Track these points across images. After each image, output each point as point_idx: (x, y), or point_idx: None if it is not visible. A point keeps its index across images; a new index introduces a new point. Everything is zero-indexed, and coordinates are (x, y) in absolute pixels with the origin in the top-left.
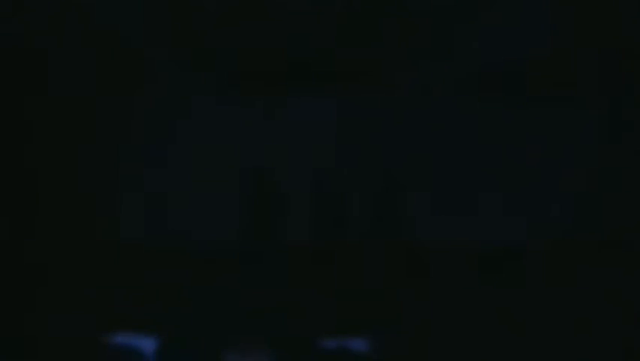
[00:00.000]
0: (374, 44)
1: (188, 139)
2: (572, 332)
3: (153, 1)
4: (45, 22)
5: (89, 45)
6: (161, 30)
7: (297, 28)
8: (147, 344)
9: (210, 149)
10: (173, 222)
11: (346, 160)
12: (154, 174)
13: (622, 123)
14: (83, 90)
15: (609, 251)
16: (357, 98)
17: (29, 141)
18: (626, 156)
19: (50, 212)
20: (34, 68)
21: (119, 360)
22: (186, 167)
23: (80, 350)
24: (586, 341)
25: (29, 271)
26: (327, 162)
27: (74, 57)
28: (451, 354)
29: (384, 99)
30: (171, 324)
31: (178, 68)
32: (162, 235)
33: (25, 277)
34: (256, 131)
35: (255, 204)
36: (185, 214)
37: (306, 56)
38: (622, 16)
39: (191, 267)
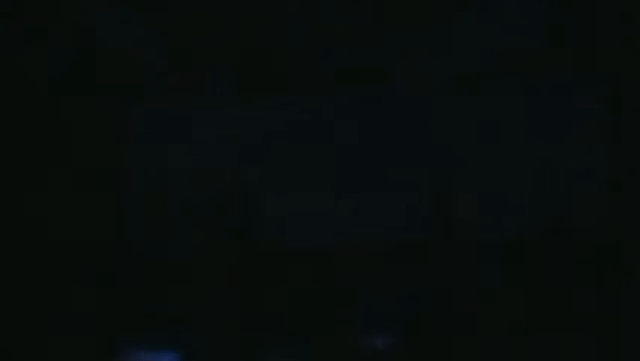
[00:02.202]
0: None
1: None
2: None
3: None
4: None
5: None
6: (159, 31)
7: (297, 27)
8: (168, 359)
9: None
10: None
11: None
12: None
13: (620, 118)
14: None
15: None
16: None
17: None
18: (626, 153)
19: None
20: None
21: None
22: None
23: None
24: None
25: (45, 280)
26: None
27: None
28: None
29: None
30: (193, 338)
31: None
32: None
33: (42, 286)
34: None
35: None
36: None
37: (306, 57)
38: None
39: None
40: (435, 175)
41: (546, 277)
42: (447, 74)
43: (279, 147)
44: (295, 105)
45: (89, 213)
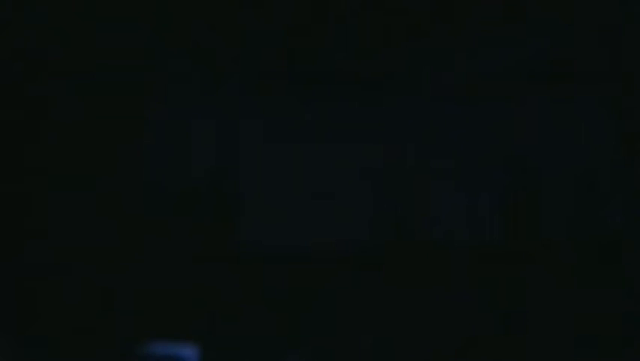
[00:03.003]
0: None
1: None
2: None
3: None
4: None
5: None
6: (164, 34)
7: (305, 30)
8: (188, 352)
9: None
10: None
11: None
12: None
13: (622, 118)
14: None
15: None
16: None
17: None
18: (627, 153)
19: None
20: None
21: None
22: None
23: (118, 358)
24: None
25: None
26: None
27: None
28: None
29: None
30: (213, 332)
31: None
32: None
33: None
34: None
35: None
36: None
37: (312, 58)
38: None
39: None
40: (433, 175)
41: (545, 277)
42: (446, 74)
43: (278, 146)
44: (295, 105)
45: (89, 212)
